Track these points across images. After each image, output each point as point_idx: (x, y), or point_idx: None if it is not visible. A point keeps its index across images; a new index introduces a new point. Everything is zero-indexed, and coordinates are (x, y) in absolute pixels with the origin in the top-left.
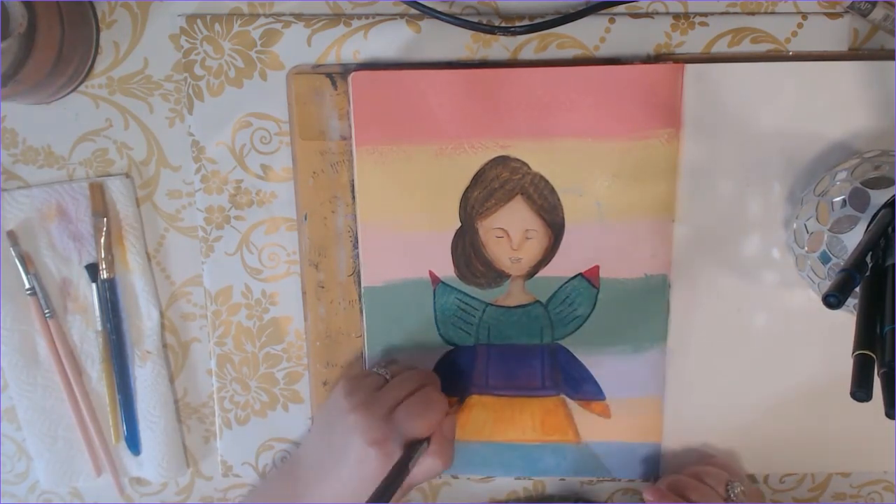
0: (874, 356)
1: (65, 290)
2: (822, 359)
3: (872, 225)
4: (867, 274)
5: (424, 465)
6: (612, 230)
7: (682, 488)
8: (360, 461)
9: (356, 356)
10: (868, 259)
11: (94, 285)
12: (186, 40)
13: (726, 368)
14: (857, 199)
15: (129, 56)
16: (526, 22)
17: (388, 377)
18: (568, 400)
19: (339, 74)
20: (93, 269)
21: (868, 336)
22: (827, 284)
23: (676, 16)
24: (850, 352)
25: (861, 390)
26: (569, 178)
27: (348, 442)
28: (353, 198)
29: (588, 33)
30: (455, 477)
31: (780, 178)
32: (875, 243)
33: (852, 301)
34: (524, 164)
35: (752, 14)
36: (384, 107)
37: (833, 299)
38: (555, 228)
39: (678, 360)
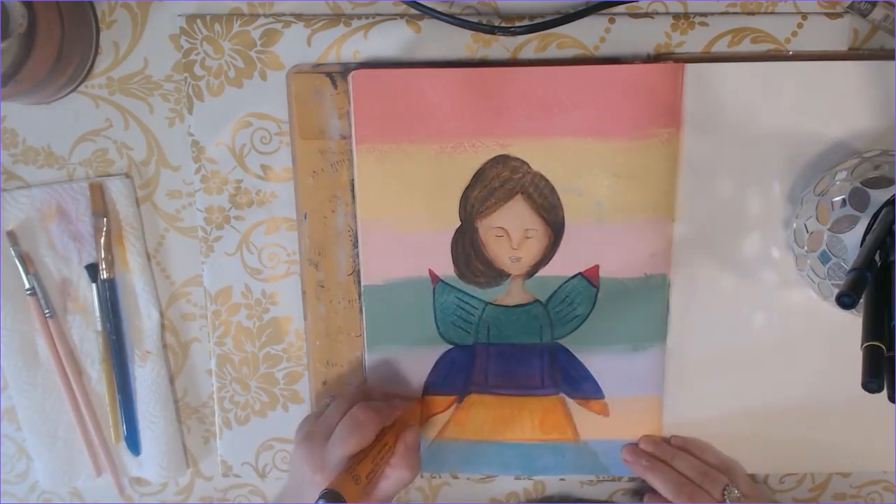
0: (884, 347)
1: (65, 290)
2: (821, 358)
3: (877, 223)
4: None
5: (392, 476)
6: (612, 230)
7: (677, 485)
8: (312, 489)
9: (356, 355)
10: (876, 257)
11: (94, 285)
12: (186, 40)
13: (725, 368)
14: (857, 199)
15: (129, 56)
16: (526, 22)
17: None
18: (567, 399)
19: (339, 73)
20: (93, 269)
21: (876, 329)
22: (827, 284)
23: (676, 16)
24: (850, 352)
25: (873, 381)
26: (569, 177)
27: (300, 473)
28: (353, 197)
29: (588, 33)
30: (455, 477)
31: (780, 178)
32: (882, 241)
33: None
34: (524, 163)
35: (752, 14)
36: (384, 105)
37: (847, 299)
38: (555, 228)
39: (677, 360)
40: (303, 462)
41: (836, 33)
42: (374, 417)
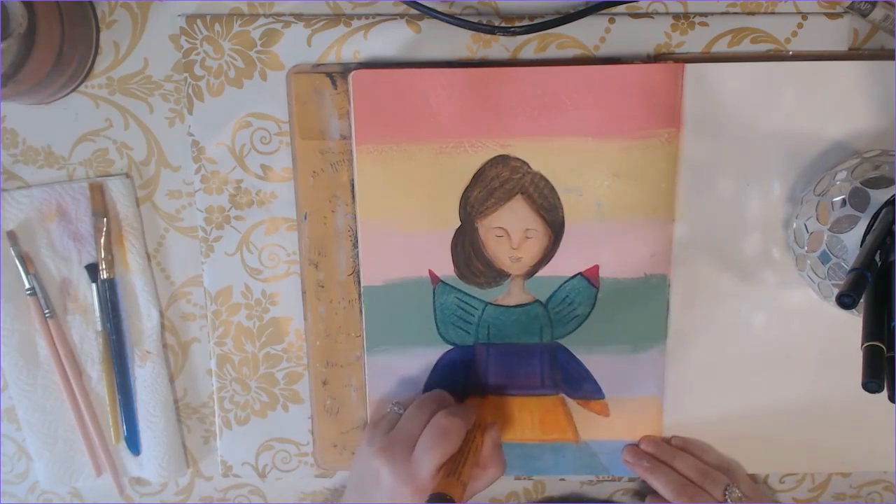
0: (884, 347)
1: (65, 290)
2: (821, 358)
3: (877, 223)
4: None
5: (482, 476)
6: (612, 230)
7: (678, 486)
8: (399, 501)
9: (356, 356)
10: (876, 257)
11: (94, 285)
12: (186, 40)
13: (726, 368)
14: (856, 199)
15: (129, 56)
16: (526, 22)
17: (401, 412)
18: (567, 399)
19: (339, 74)
20: (93, 270)
21: (876, 329)
22: (827, 284)
23: (676, 16)
24: (850, 352)
25: (873, 381)
26: (569, 177)
27: (379, 487)
28: (353, 197)
29: (588, 33)
30: None
31: (780, 178)
32: (882, 241)
33: None
34: (524, 163)
35: (752, 14)
36: (384, 106)
37: (847, 299)
38: (555, 228)
39: (677, 360)
40: (385, 475)
41: (836, 33)
42: (458, 423)
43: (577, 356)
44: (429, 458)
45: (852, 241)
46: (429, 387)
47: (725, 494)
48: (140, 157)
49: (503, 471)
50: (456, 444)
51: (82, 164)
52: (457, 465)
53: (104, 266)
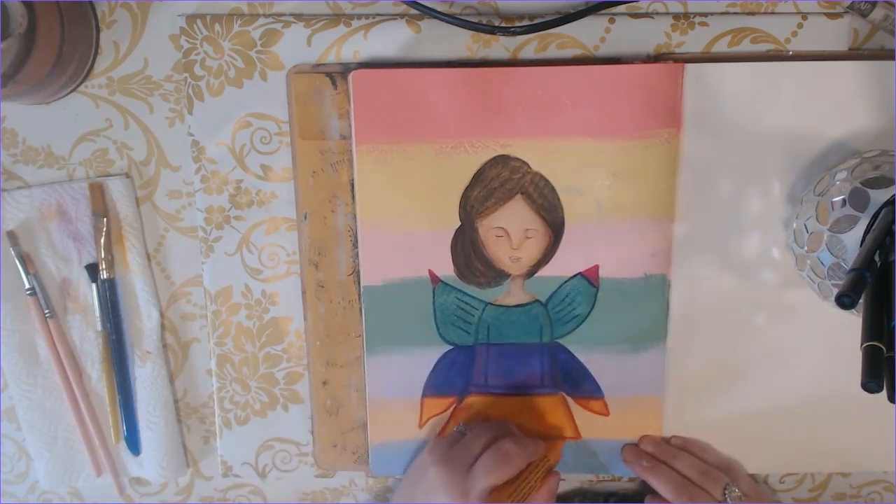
0: (884, 347)
1: (65, 290)
2: (821, 358)
3: (877, 223)
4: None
5: None
6: (612, 230)
7: (677, 486)
8: None
9: (356, 356)
10: (876, 257)
11: (94, 285)
12: (186, 40)
13: (725, 368)
14: (856, 199)
15: (129, 56)
16: (526, 22)
17: (465, 433)
18: (567, 398)
19: (339, 74)
20: (93, 270)
21: (876, 329)
22: (827, 284)
23: (676, 16)
24: (850, 352)
25: (872, 381)
26: (569, 177)
27: (431, 496)
28: (353, 197)
29: (588, 33)
30: None
31: (780, 178)
32: (882, 241)
33: None
34: (524, 163)
35: (752, 14)
36: (384, 106)
37: (847, 299)
38: (555, 228)
39: (677, 360)
40: (440, 486)
41: (836, 33)
42: (521, 452)
43: (577, 356)
44: (485, 478)
45: (852, 241)
46: (429, 387)
47: (725, 494)
48: (140, 157)
49: None
50: (514, 471)
51: (82, 164)
52: (512, 497)
53: (104, 266)
